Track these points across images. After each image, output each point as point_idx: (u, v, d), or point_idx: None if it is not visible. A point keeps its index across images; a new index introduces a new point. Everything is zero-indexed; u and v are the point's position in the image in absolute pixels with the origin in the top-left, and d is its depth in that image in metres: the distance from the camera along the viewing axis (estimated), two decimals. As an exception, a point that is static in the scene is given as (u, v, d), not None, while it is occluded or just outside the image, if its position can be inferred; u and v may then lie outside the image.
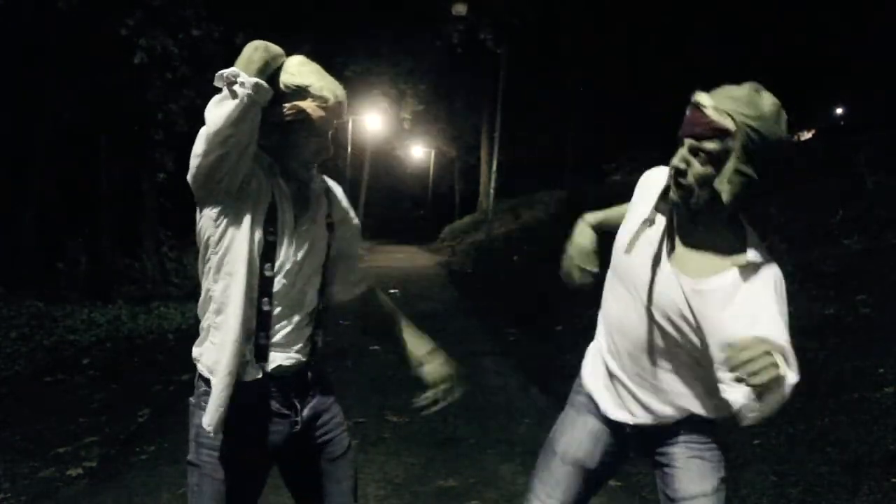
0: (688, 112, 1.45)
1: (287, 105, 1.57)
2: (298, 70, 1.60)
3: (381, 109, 22.98)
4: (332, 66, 1.76)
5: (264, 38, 1.55)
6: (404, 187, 36.50)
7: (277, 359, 1.65)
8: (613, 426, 1.76)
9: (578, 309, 6.48)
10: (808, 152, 12.73)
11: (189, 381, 1.75)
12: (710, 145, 1.39)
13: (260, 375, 1.62)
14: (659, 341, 1.64)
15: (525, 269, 11.43)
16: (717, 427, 1.70)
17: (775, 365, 1.19)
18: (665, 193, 1.59)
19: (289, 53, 1.62)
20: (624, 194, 1.87)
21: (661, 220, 1.63)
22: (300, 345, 1.70)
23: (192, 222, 1.66)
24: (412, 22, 20.28)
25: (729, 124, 1.37)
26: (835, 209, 8.32)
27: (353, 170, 24.39)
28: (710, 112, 1.39)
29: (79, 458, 3.93)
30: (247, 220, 1.56)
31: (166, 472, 3.61)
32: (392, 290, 12.09)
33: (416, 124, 26.86)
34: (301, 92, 1.58)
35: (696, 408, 1.66)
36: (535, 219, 18.00)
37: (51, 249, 10.69)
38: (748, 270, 1.50)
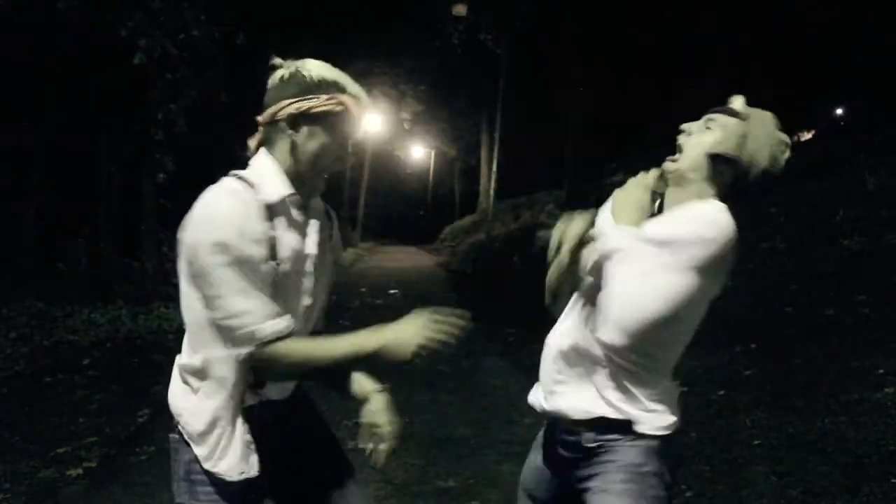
0: None
1: (326, 95, 1.43)
2: (327, 67, 1.47)
3: (381, 110, 22.97)
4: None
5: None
6: (404, 187, 36.47)
7: (272, 390, 1.54)
8: (554, 460, 1.69)
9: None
10: (808, 152, 12.73)
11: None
12: (721, 117, 1.53)
13: (255, 402, 1.50)
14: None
15: (525, 269, 11.43)
16: (651, 449, 1.50)
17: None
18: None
19: (289, 53, 1.57)
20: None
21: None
22: None
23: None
24: (412, 22, 20.29)
25: (745, 113, 1.53)
26: (835, 209, 8.31)
27: (353, 170, 24.37)
28: (735, 103, 1.56)
29: (79, 458, 3.93)
30: None
31: (166, 473, 3.60)
32: (392, 291, 12.09)
33: (416, 124, 26.90)
34: (336, 86, 1.45)
35: (620, 403, 1.51)
36: (535, 219, 17.99)
37: (51, 249, 10.68)
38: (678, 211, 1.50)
